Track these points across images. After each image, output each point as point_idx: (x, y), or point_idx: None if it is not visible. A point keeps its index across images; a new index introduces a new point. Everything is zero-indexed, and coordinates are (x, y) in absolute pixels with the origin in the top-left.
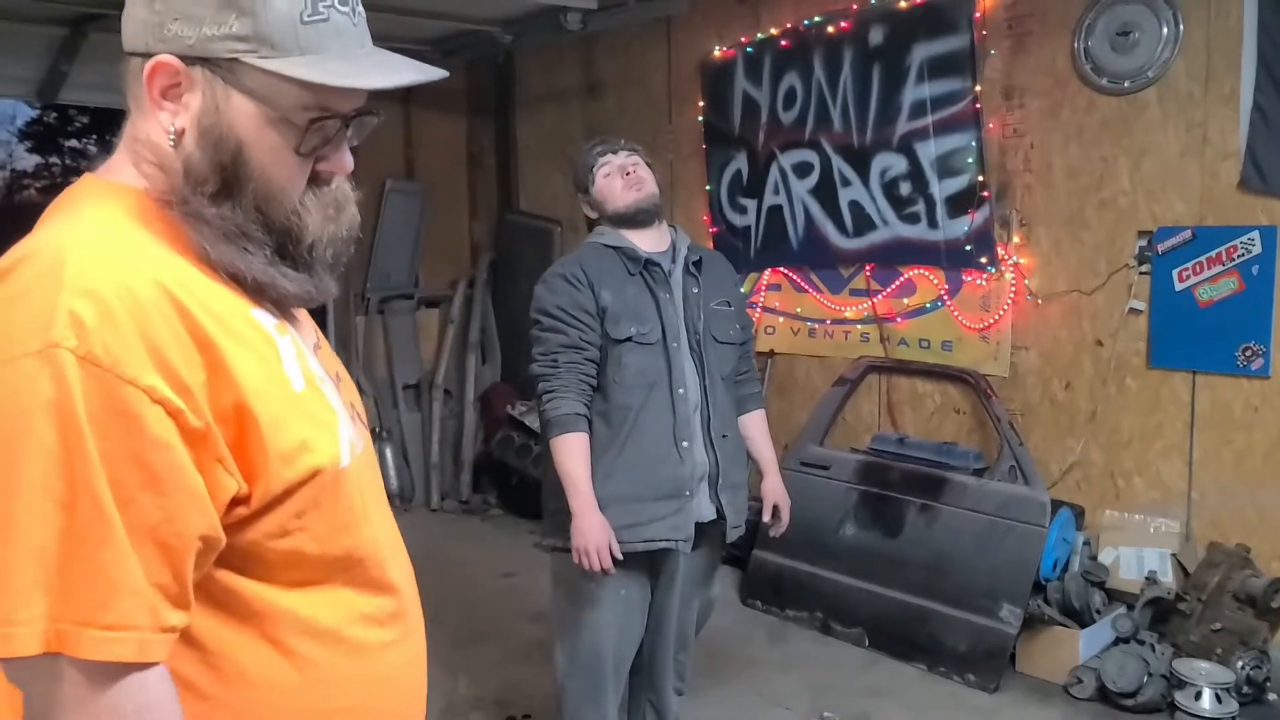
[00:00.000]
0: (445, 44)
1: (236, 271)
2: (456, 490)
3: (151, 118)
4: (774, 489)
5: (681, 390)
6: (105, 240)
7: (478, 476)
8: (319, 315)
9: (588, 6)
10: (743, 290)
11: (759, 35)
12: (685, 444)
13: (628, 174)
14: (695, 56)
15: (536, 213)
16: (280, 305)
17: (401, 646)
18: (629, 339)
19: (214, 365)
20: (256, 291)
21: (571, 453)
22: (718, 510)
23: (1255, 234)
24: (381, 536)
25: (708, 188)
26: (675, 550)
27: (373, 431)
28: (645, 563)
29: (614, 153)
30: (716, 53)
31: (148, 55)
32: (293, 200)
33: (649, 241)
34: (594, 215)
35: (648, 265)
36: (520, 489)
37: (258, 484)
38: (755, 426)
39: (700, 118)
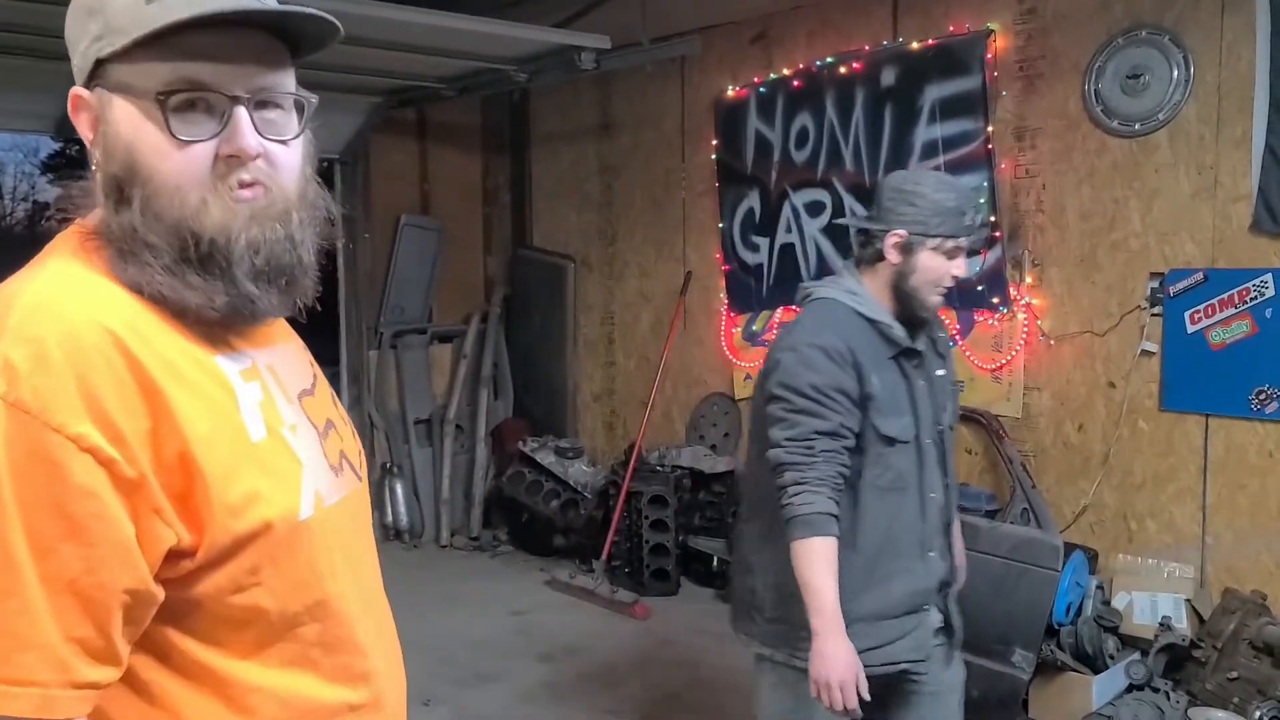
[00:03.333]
0: (461, 81)
1: (137, 286)
2: (467, 526)
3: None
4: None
5: (933, 494)
6: (61, 286)
7: (488, 512)
8: (334, 348)
9: (601, 46)
10: (756, 328)
11: (771, 75)
12: (932, 553)
13: (955, 278)
14: (709, 96)
15: (550, 249)
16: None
17: (369, 711)
18: (893, 439)
19: (159, 413)
20: (218, 330)
21: (820, 561)
22: (945, 620)
23: (1269, 276)
24: (349, 593)
25: (720, 225)
26: (914, 672)
27: (383, 467)
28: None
29: (966, 236)
30: (730, 92)
31: None
32: (189, 196)
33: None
34: (877, 252)
35: (906, 351)
36: (531, 525)
37: (204, 536)
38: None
39: (713, 156)
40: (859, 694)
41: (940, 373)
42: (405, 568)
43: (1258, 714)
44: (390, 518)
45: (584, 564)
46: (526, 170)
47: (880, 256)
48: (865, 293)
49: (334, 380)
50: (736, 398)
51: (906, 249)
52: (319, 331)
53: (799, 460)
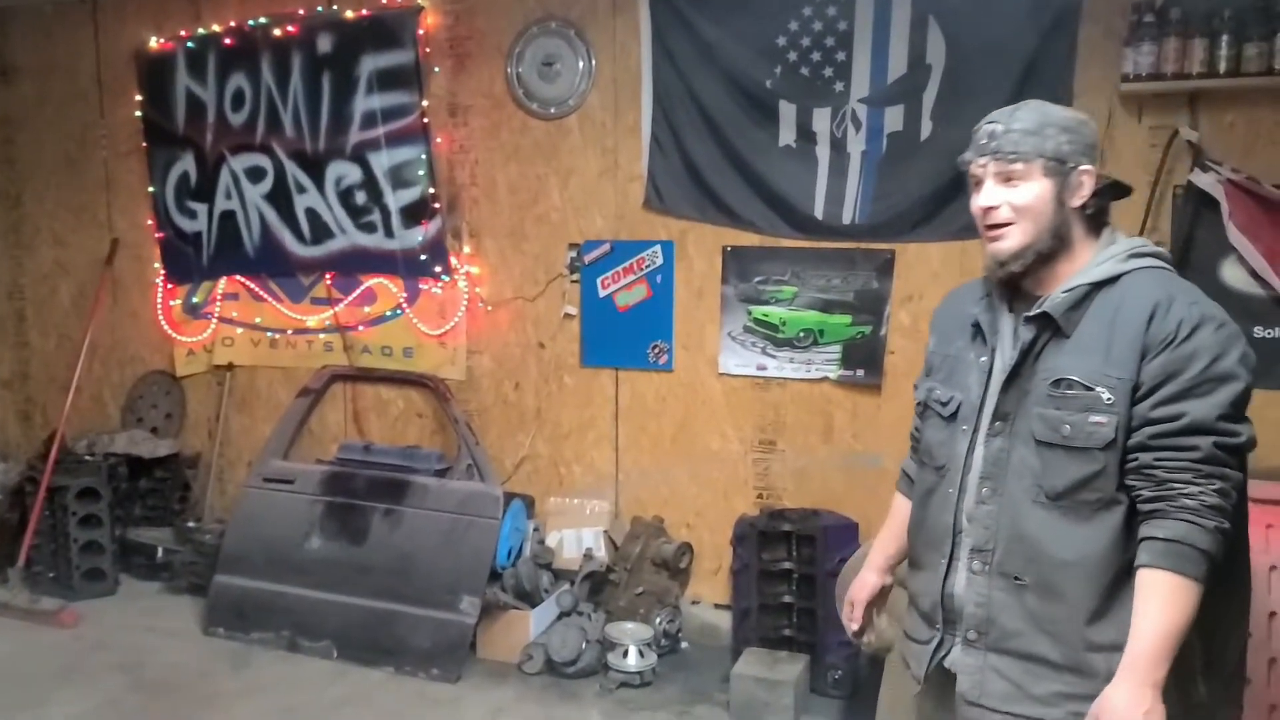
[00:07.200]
0: None
1: None
2: None
3: None
4: (1105, 702)
5: (951, 490)
6: None
7: None
8: None
9: None
10: (197, 300)
11: (201, 30)
12: (943, 561)
13: (983, 210)
14: (129, 46)
15: None
16: None
17: None
18: (923, 404)
19: None
20: None
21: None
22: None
23: (658, 247)
24: None
25: (151, 189)
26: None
27: None
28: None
29: (977, 157)
30: (154, 44)
31: None
32: None
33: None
34: None
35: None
36: None
37: None
38: (1141, 592)
39: (138, 113)
40: (860, 622)
41: (1028, 359)
42: None
43: (658, 619)
44: None
45: None
46: None
47: None
48: None
49: None
50: (179, 375)
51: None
52: None
53: None
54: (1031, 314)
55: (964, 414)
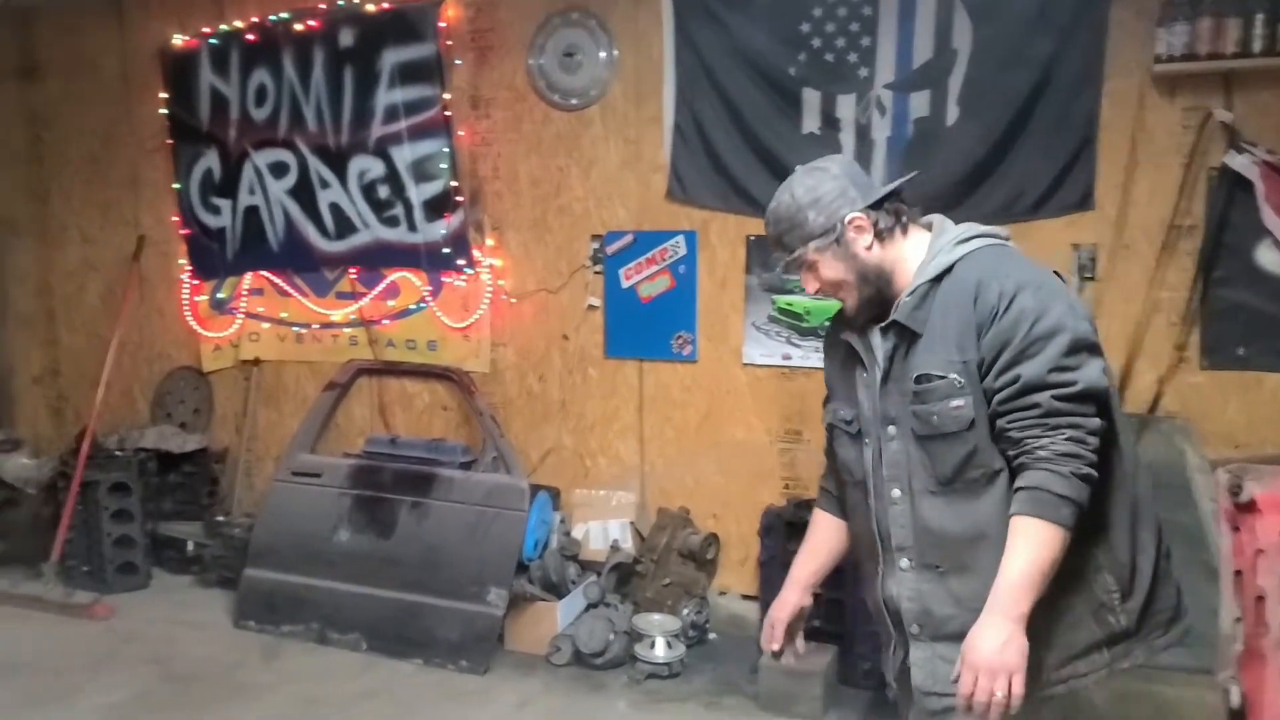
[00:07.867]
0: None
1: None
2: None
3: None
4: (970, 638)
5: (872, 500)
6: None
7: None
8: None
9: None
10: (222, 296)
11: (223, 26)
12: (879, 568)
13: (815, 294)
14: (154, 43)
15: None
16: None
17: None
18: (832, 425)
19: None
20: None
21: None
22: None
23: (681, 238)
24: None
25: (176, 185)
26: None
27: None
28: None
29: (779, 265)
30: (178, 41)
31: None
32: None
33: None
34: None
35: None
36: None
37: None
38: (1009, 537)
39: (163, 110)
40: (780, 642)
41: (894, 363)
42: None
43: (685, 611)
44: None
45: (31, 569)
46: None
47: None
48: None
49: None
50: (206, 370)
51: None
52: None
53: None
54: (885, 324)
55: (865, 428)
